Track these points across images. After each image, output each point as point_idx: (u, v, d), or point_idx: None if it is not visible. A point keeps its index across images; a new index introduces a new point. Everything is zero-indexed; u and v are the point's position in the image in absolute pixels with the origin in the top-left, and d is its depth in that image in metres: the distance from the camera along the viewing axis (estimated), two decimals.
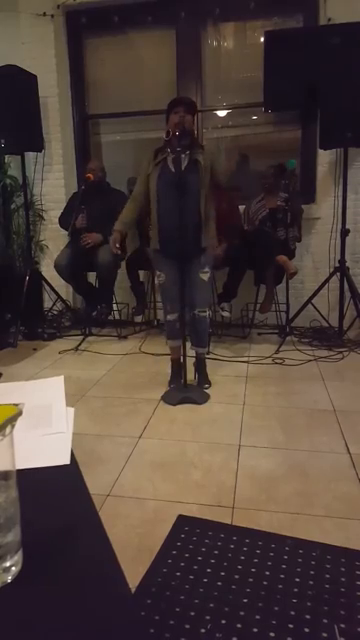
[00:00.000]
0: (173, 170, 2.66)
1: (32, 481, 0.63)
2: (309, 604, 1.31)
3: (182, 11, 4.15)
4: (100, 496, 1.83)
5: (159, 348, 3.59)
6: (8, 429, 0.53)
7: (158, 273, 2.89)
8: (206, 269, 2.80)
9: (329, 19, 3.74)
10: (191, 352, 2.94)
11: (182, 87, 4.30)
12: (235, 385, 2.99)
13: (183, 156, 2.67)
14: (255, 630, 1.23)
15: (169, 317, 2.91)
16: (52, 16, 4.23)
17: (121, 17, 4.24)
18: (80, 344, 3.75)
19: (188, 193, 2.65)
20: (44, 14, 4.21)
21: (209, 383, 2.98)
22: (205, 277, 2.81)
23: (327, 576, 1.41)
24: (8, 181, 4.36)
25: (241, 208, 3.97)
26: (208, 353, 3.26)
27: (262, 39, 3.61)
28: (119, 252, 2.97)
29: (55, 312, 4.45)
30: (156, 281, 2.95)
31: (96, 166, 4.08)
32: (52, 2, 4.21)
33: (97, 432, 2.40)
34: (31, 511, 0.56)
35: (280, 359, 3.41)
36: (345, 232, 3.68)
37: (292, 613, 1.28)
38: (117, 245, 2.92)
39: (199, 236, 2.73)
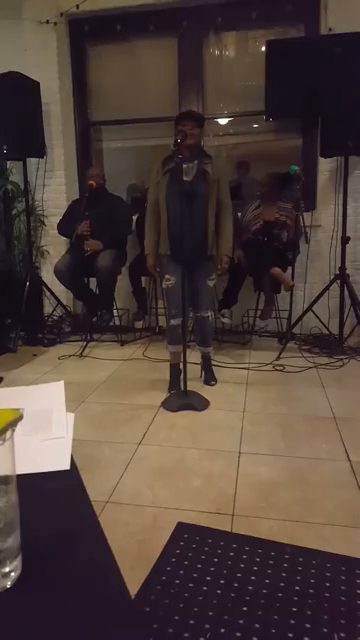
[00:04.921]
0: (183, 178, 2.72)
1: (32, 486, 0.63)
2: (309, 613, 1.30)
3: (184, 20, 4.18)
4: (99, 502, 1.83)
5: (161, 354, 3.58)
6: (9, 433, 0.53)
7: (167, 277, 2.88)
8: (213, 276, 2.95)
9: (330, 29, 3.77)
10: (192, 358, 2.95)
11: (184, 95, 4.33)
12: (235, 391, 2.98)
13: (191, 165, 2.76)
14: (255, 639, 1.22)
15: (172, 322, 2.91)
16: (55, 24, 4.26)
17: (124, 25, 4.27)
18: (83, 350, 3.74)
19: (197, 202, 2.74)
20: (47, 22, 4.25)
21: (215, 380, 3.10)
22: (211, 284, 2.98)
23: (327, 585, 1.40)
24: (10, 187, 4.38)
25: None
26: None
27: (263, 48, 3.64)
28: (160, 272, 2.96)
29: (55, 317, 4.45)
30: (163, 285, 2.95)
31: (97, 173, 4.10)
32: (55, 10, 4.25)
33: (96, 438, 2.39)
34: (31, 516, 0.56)
35: (280, 366, 3.41)
36: (345, 240, 3.69)
37: (292, 622, 1.27)
38: (158, 269, 2.95)
39: (206, 244, 2.82)
